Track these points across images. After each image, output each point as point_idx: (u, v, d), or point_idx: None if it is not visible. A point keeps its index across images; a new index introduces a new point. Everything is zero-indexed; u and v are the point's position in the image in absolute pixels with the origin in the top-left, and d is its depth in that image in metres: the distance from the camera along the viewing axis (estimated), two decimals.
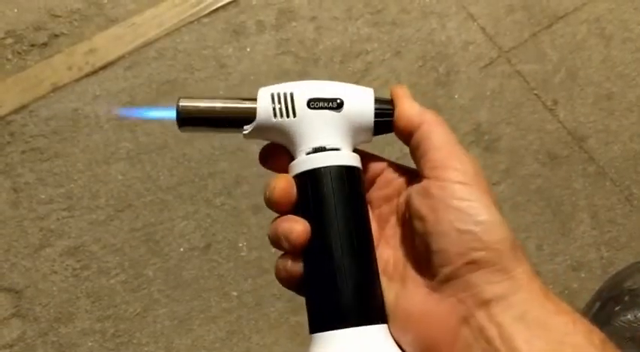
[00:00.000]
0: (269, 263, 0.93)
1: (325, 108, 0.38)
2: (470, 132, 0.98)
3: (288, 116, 0.37)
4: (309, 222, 0.36)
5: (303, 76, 1.01)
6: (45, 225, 0.94)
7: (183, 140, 0.98)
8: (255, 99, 0.38)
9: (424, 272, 0.35)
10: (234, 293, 0.93)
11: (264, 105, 0.37)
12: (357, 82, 0.99)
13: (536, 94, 1.00)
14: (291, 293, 0.92)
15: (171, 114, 0.38)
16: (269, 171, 1.01)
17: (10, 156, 0.97)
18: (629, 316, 0.82)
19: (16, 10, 1.06)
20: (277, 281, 0.97)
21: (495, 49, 1.03)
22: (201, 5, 1.05)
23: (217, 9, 1.05)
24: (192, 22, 1.04)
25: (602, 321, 0.84)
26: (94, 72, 1.03)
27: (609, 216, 0.94)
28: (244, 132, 0.38)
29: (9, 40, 1.04)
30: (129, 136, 0.99)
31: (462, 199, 0.34)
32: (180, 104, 0.38)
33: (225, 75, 1.02)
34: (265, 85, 1.02)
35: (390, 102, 0.39)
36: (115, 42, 1.05)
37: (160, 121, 1.00)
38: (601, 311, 0.85)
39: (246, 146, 0.98)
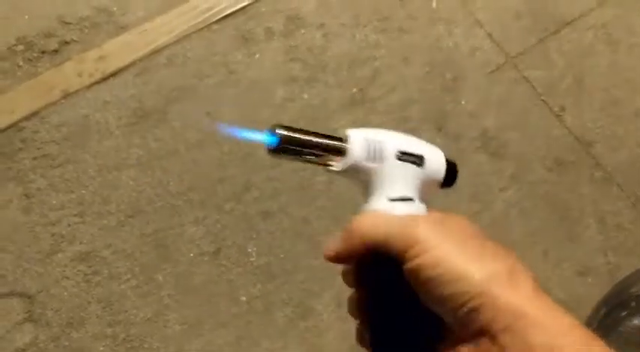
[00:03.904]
0: (278, 268, 0.94)
1: (410, 162, 0.41)
2: (477, 137, 0.98)
3: (378, 162, 0.40)
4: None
5: (311, 82, 1.02)
6: (56, 231, 0.95)
7: (194, 146, 0.99)
8: (340, 138, 0.40)
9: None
10: (244, 299, 0.94)
11: (357, 147, 0.40)
12: (364, 88, 1.00)
13: (543, 100, 1.01)
14: (299, 298, 0.93)
15: (268, 140, 0.39)
16: (278, 176, 1.02)
17: (22, 162, 0.98)
18: (635, 322, 0.83)
19: (26, 17, 1.07)
20: (286, 287, 0.98)
21: (502, 55, 1.04)
22: (211, 12, 1.06)
23: (226, 16, 1.06)
24: (201, 29, 1.05)
25: (609, 327, 0.84)
26: (104, 78, 1.04)
27: (616, 221, 0.95)
28: (335, 168, 0.40)
29: (20, 47, 1.05)
30: (139, 142, 1.00)
31: (431, 267, 0.35)
32: (281, 132, 0.39)
33: (235, 81, 1.02)
34: (274, 90, 1.03)
35: (449, 161, 0.43)
36: (125, 49, 1.06)
37: (171, 128, 1.01)
38: (608, 316, 0.86)
39: (255, 151, 0.99)
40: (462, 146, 0.98)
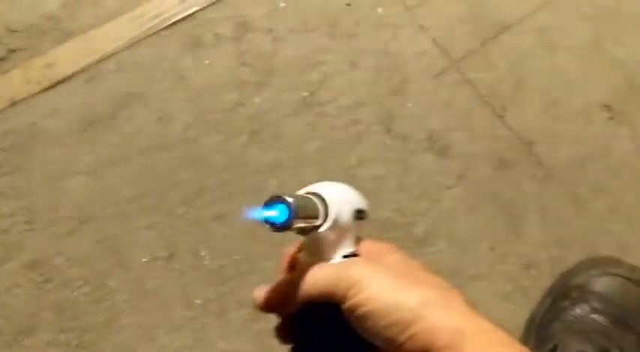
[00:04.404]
0: (232, 270, 0.95)
1: (360, 218, 0.42)
2: (424, 139, 1.01)
3: (344, 221, 0.40)
4: None
5: (261, 86, 1.03)
6: (6, 239, 0.94)
7: (144, 151, 0.99)
8: (313, 195, 0.40)
9: None
10: (198, 302, 0.94)
11: (335, 207, 0.39)
12: (314, 92, 1.02)
13: (486, 102, 1.04)
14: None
15: (280, 212, 0.36)
16: (231, 179, 1.03)
17: None
18: (577, 310, 0.86)
19: None
20: (241, 289, 0.99)
21: (446, 59, 1.07)
22: (160, 19, 1.07)
23: (175, 22, 1.07)
24: (150, 36, 1.06)
25: (553, 317, 0.88)
26: (52, 86, 1.03)
27: (558, 216, 0.99)
28: (321, 228, 0.39)
29: None
30: (89, 149, 0.99)
31: (368, 302, 0.37)
32: (290, 199, 0.36)
33: (185, 86, 1.03)
34: (225, 95, 1.03)
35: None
36: (73, 56, 1.05)
37: (121, 132, 1.01)
38: (552, 307, 0.89)
39: (207, 156, 0.99)
40: (410, 147, 1.01)
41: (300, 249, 0.45)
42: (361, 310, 0.37)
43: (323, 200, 0.39)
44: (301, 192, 0.40)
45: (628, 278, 0.88)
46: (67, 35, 1.07)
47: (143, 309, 0.93)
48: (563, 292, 0.89)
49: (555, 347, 0.83)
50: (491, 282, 0.95)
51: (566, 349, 0.82)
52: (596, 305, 0.86)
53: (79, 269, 0.94)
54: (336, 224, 0.39)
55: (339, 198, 0.40)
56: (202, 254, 0.96)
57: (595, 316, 0.85)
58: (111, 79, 1.03)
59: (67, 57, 1.05)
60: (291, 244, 0.46)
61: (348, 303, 0.38)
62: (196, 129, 1.01)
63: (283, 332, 0.44)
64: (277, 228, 0.36)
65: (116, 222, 0.96)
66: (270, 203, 0.36)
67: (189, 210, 0.97)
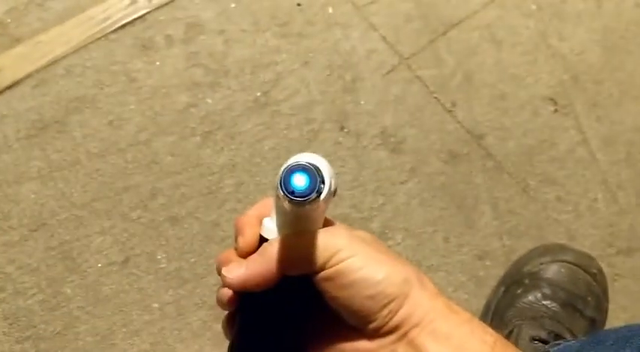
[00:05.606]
0: (189, 273, 0.95)
1: (334, 194, 0.39)
2: (377, 135, 1.03)
3: (331, 193, 0.38)
4: None
5: (214, 87, 1.03)
6: None
7: (96, 156, 0.98)
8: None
9: (354, 329, 0.40)
10: (156, 305, 0.93)
11: (328, 181, 0.36)
12: (267, 92, 1.02)
13: (436, 97, 1.06)
14: (212, 301, 0.94)
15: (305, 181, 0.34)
16: (185, 182, 1.02)
17: None
18: (529, 297, 0.89)
19: None
20: (199, 290, 0.99)
21: (396, 57, 1.09)
22: (108, 22, 1.06)
23: (125, 25, 1.06)
24: (99, 39, 1.05)
25: (507, 304, 0.90)
26: (0, 92, 1.01)
27: (509, 206, 1.01)
28: (321, 197, 0.35)
29: None
30: (39, 155, 0.98)
31: (356, 270, 0.38)
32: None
33: (136, 89, 1.02)
34: (177, 96, 1.03)
35: None
36: (20, 61, 1.03)
37: (72, 138, 0.99)
38: (505, 295, 0.92)
39: (160, 158, 0.99)
40: (363, 144, 1.02)
41: (258, 222, 0.44)
42: (350, 277, 0.38)
43: (318, 169, 0.35)
44: (290, 161, 0.36)
45: (576, 265, 0.91)
46: (15, 40, 1.05)
47: (100, 315, 0.92)
48: (515, 280, 0.92)
49: (510, 332, 0.85)
50: (447, 273, 0.97)
51: (520, 335, 0.84)
52: (547, 291, 0.88)
53: (32, 277, 0.92)
54: (329, 194, 0.36)
55: (326, 168, 0.37)
56: (158, 257, 0.95)
57: (546, 302, 0.88)
58: (60, 84, 1.02)
59: (14, 62, 1.03)
60: (242, 213, 0.45)
61: (331, 270, 0.38)
62: (148, 131, 1.00)
63: (231, 321, 0.45)
64: (302, 198, 0.33)
65: (69, 228, 0.95)
66: (291, 171, 0.33)
67: (144, 213, 0.96)
